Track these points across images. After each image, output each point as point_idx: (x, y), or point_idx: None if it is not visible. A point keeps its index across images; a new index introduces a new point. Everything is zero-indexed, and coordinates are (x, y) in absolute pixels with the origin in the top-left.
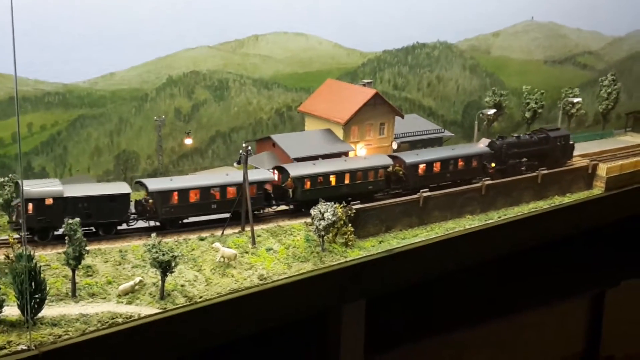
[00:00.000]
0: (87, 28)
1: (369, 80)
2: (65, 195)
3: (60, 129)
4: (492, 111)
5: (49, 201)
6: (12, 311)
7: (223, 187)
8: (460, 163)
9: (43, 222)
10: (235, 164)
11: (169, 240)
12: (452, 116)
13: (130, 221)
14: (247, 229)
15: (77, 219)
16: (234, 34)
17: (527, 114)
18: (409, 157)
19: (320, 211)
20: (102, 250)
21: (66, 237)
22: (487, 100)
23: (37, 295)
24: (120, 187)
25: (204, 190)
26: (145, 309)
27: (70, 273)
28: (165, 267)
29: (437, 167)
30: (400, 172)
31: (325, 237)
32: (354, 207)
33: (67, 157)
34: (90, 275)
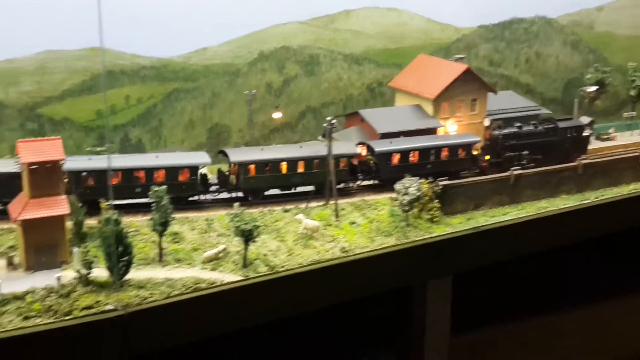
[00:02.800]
0: (181, 3)
1: (462, 56)
2: None
3: (155, 102)
4: (593, 88)
5: None
6: (101, 273)
7: (149, 170)
8: (444, 153)
9: None
10: (320, 137)
11: (254, 211)
12: (552, 94)
13: None
14: (332, 202)
15: (164, 187)
16: (324, 9)
17: (633, 92)
18: (380, 145)
19: (404, 186)
20: (190, 219)
21: (153, 204)
22: (588, 78)
23: (124, 258)
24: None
25: (126, 173)
26: (228, 276)
27: (158, 239)
28: (247, 236)
29: (414, 156)
30: (371, 162)
31: (410, 213)
32: (441, 183)
33: (162, 130)
34: (177, 242)
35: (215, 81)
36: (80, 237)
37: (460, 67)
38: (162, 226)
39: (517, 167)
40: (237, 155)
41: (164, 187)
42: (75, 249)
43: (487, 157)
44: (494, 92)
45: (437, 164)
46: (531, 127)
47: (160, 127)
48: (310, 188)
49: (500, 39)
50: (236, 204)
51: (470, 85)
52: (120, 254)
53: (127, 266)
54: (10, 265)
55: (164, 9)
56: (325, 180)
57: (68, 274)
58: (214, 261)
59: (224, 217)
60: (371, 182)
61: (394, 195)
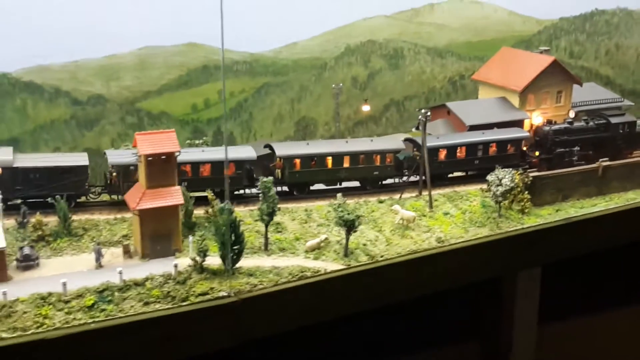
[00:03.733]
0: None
1: (546, 48)
2: (15, 165)
3: (246, 96)
4: None
5: None
6: (213, 261)
7: (195, 165)
8: (492, 149)
9: None
10: (413, 130)
11: (350, 202)
12: (631, 85)
13: (92, 194)
14: (424, 193)
15: (271, 178)
16: (410, 2)
17: None
18: (427, 141)
19: (497, 177)
20: (290, 209)
21: (260, 194)
22: None
23: (236, 247)
24: (78, 159)
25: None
26: (330, 265)
27: (261, 228)
28: (349, 226)
29: (461, 152)
30: (418, 157)
31: (502, 204)
32: (531, 175)
33: (252, 123)
34: (280, 232)
35: (304, 75)
36: (189, 226)
37: (547, 59)
38: (268, 216)
39: (568, 164)
40: (283, 149)
41: (271, 178)
42: (191, 238)
43: (537, 153)
44: (579, 84)
45: (485, 159)
46: (582, 123)
47: (250, 121)
48: (356, 183)
49: (580, 31)
50: (339, 195)
51: (556, 77)
52: (232, 242)
53: (239, 254)
54: (127, 253)
55: (254, 5)
56: (370, 175)
57: (182, 262)
58: (316, 250)
59: (322, 207)
60: (417, 178)
61: (484, 186)
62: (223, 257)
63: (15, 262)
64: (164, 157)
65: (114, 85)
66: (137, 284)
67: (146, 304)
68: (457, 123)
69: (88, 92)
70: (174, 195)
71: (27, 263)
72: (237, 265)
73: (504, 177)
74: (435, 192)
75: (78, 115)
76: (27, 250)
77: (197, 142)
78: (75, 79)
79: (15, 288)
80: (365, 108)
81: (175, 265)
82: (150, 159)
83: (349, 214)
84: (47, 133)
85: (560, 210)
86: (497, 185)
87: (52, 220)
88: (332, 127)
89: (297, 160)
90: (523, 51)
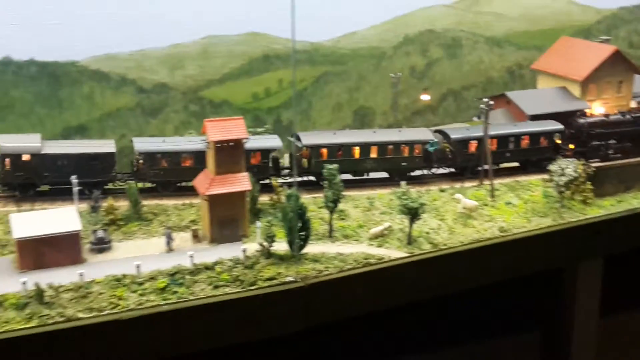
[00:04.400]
0: None
1: (608, 37)
2: (43, 152)
3: (306, 85)
4: None
5: (27, 157)
6: (279, 247)
7: None
8: (525, 141)
9: (21, 178)
10: (474, 119)
11: (413, 191)
12: None
13: (119, 181)
14: (485, 182)
15: (336, 165)
16: None
17: None
18: (456, 132)
19: (560, 167)
20: (352, 197)
21: (325, 182)
22: None
23: (302, 233)
24: (105, 146)
25: (198, 155)
26: (394, 252)
27: (325, 216)
28: (413, 214)
29: (492, 144)
30: (447, 149)
31: (564, 194)
32: (593, 165)
33: (311, 112)
34: (343, 219)
35: (362, 64)
36: (255, 212)
37: (609, 49)
38: (333, 203)
39: (604, 157)
40: (310, 138)
41: (336, 165)
42: (259, 223)
43: (572, 146)
44: None
45: (517, 152)
46: (619, 116)
47: (309, 110)
48: (384, 174)
49: None
50: (403, 182)
51: (617, 66)
52: (299, 228)
53: (305, 240)
54: (195, 237)
55: None
56: (398, 166)
57: (250, 247)
58: (380, 238)
59: (384, 195)
60: (447, 170)
61: (546, 176)
62: (290, 243)
63: (89, 245)
64: (232, 143)
65: (178, 74)
66: (207, 267)
67: (216, 287)
68: (517, 113)
69: (153, 80)
70: (242, 182)
71: (101, 246)
72: (303, 251)
73: (567, 166)
74: (497, 182)
75: (143, 103)
76: (100, 234)
77: (258, 129)
78: (141, 67)
79: (90, 270)
80: (425, 97)
81: (244, 250)
82: (219, 145)
83: (413, 201)
84: (113, 120)
85: (623, 201)
86: (560, 175)
87: (122, 205)
88: (390, 117)
89: (324, 150)
90: (584, 40)
